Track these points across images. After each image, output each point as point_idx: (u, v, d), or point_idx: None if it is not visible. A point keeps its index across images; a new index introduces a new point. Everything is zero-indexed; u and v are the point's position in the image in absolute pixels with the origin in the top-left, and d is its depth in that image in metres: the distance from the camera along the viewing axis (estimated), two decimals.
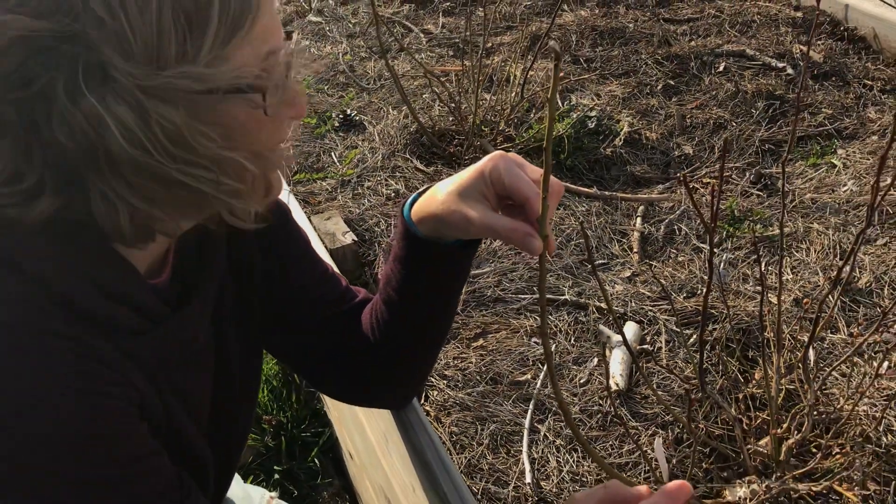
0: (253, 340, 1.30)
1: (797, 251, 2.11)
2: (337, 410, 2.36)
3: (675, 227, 2.24)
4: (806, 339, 1.59)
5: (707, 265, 1.54)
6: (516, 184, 1.04)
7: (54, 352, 0.89)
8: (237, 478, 1.69)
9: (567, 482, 1.61)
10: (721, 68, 2.96)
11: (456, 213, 1.09)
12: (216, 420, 1.23)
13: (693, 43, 3.15)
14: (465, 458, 1.69)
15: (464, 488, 1.44)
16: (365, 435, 1.96)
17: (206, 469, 1.17)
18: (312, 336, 1.34)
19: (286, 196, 2.32)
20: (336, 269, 1.41)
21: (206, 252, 1.13)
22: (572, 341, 1.91)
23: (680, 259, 2.13)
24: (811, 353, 1.62)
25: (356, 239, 2.22)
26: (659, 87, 2.87)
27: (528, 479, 1.63)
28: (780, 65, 2.92)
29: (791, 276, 2.03)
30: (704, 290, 1.42)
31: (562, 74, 2.86)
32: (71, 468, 0.90)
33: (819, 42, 3.09)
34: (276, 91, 0.89)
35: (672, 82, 2.90)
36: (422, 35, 3.39)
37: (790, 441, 1.53)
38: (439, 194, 1.13)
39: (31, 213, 0.88)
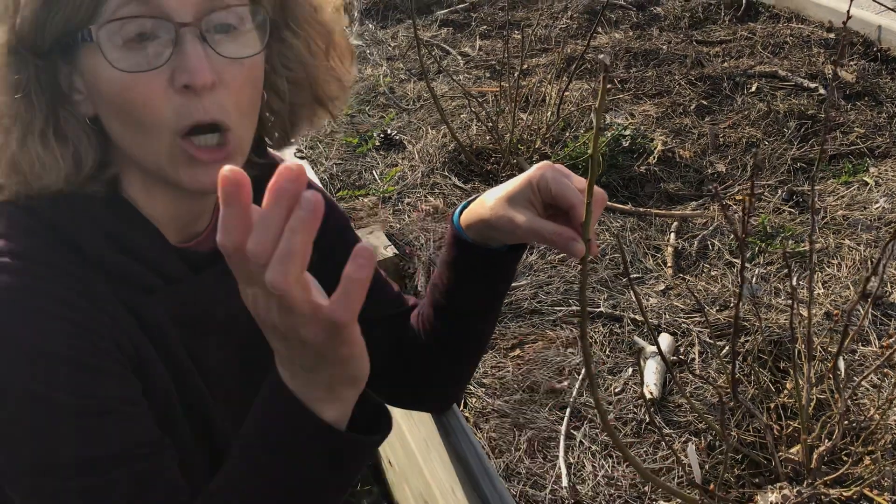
0: None
1: (829, 266, 2.16)
2: None
3: (708, 242, 2.29)
4: (836, 351, 1.64)
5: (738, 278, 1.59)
6: (563, 191, 1.11)
7: (46, 277, 0.95)
8: None
9: (602, 486, 1.67)
10: (753, 89, 3.01)
11: (504, 217, 1.17)
12: (246, 402, 1.28)
13: (726, 64, 3.20)
14: (503, 462, 1.75)
15: (504, 490, 1.51)
16: (405, 441, 2.02)
17: (225, 449, 1.21)
18: (364, 339, 1.41)
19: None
20: (386, 276, 1.49)
21: None
22: (607, 352, 1.97)
23: (713, 273, 2.18)
24: (841, 363, 1.67)
25: (397, 252, 2.30)
26: (692, 107, 2.93)
27: (564, 482, 1.69)
28: (812, 85, 2.96)
29: (822, 290, 2.07)
30: (735, 301, 1.47)
31: (600, 91, 2.93)
32: (32, 383, 0.94)
33: (852, 62, 3.14)
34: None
35: (705, 102, 2.96)
36: (459, 57, 3.49)
37: (821, 448, 1.57)
38: (488, 201, 1.20)
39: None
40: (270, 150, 1.23)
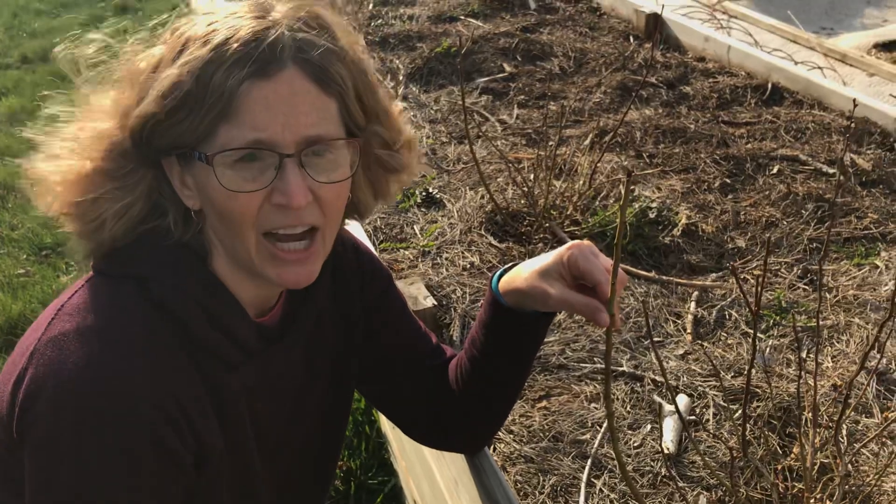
0: (345, 386, 1.55)
1: (838, 342, 2.31)
2: (405, 460, 2.59)
3: (726, 312, 2.45)
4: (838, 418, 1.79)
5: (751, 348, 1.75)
6: (590, 269, 1.28)
7: (142, 348, 1.10)
8: None
9: None
10: (775, 170, 3.20)
11: (537, 288, 1.34)
12: (282, 452, 1.45)
13: (749, 145, 3.40)
14: None
15: None
16: (434, 480, 2.17)
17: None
18: (405, 387, 1.58)
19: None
20: (426, 328, 1.66)
21: (308, 300, 1.37)
22: (628, 408, 2.12)
23: (729, 342, 2.34)
24: (844, 430, 1.81)
25: (435, 304, 2.47)
26: (716, 185, 3.11)
27: None
28: (831, 170, 3.14)
29: (831, 364, 2.23)
30: (748, 368, 1.63)
31: (625, 173, 3.12)
32: (89, 441, 1.06)
33: (868, 151, 3.32)
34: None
35: (728, 181, 3.15)
36: (497, 124, 3.71)
37: None
38: (524, 272, 1.38)
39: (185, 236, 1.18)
40: None
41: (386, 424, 2.80)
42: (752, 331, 2.35)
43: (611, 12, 5.19)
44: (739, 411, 2.06)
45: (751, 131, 3.54)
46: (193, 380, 1.18)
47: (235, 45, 1.08)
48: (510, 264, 1.43)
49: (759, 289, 1.35)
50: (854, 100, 1.68)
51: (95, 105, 1.19)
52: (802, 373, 1.72)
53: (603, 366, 2.22)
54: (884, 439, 1.89)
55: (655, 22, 4.71)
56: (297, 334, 1.37)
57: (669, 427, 2.03)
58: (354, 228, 2.04)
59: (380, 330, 1.54)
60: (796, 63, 4.26)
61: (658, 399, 2.13)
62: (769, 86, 3.96)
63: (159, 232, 1.20)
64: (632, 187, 3.09)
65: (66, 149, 1.18)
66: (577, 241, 1.34)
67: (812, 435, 1.79)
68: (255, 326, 1.28)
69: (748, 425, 2.00)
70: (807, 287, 2.56)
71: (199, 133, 1.11)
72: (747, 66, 4.22)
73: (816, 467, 1.82)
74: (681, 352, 2.31)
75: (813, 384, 1.78)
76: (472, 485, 1.84)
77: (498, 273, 1.44)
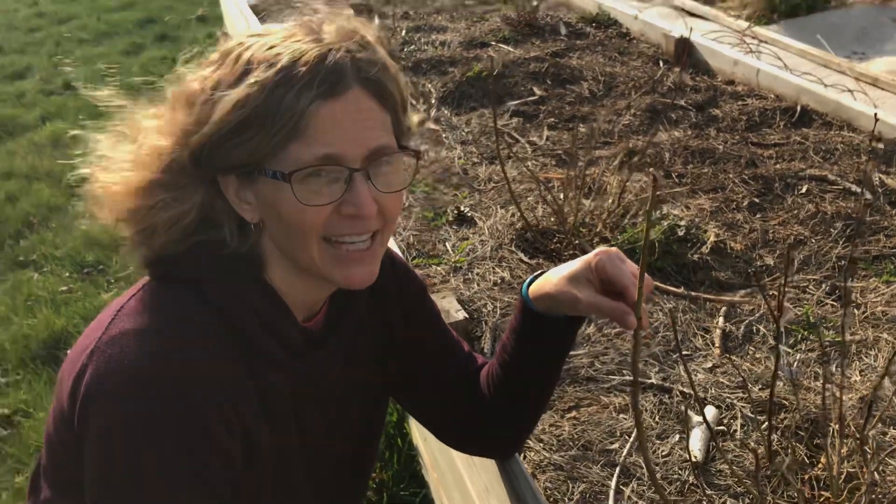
0: (381, 392, 1.61)
1: (866, 357, 2.33)
2: (436, 471, 2.63)
3: (754, 327, 2.48)
4: (867, 432, 1.81)
5: (774, 360, 1.78)
6: (618, 274, 1.33)
7: (195, 345, 1.17)
8: None
9: None
10: (804, 190, 3.22)
11: (566, 293, 1.40)
12: (322, 459, 1.50)
13: (778, 166, 3.43)
14: None
15: None
16: (465, 489, 2.22)
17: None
18: (439, 394, 1.64)
19: None
20: (458, 336, 1.72)
21: (350, 307, 1.43)
22: (657, 419, 2.16)
23: (757, 356, 2.37)
24: (870, 440, 1.83)
25: (467, 316, 2.53)
26: (745, 204, 3.15)
27: None
28: (859, 190, 3.17)
29: (859, 377, 2.24)
30: (772, 377, 1.67)
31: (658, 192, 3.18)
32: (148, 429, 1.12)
33: None
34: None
35: (757, 200, 3.18)
36: (527, 146, 3.77)
37: None
38: (553, 278, 1.43)
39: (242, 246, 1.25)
40: None
41: (417, 437, 2.85)
42: (781, 345, 2.37)
43: (640, 37, 5.26)
44: (766, 423, 2.09)
45: (779, 152, 3.57)
46: (244, 380, 1.25)
47: (303, 68, 1.15)
48: (539, 272, 1.48)
49: (781, 297, 1.39)
50: (875, 114, 1.72)
51: (150, 124, 1.26)
52: (830, 386, 1.75)
53: (631, 377, 2.26)
54: None
55: (684, 46, 4.77)
56: (340, 340, 1.43)
57: (697, 437, 2.06)
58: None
59: (416, 336, 1.60)
60: (826, 86, 4.28)
61: (686, 410, 2.16)
62: (798, 108, 3.99)
63: (215, 242, 1.27)
64: (661, 206, 3.13)
65: (127, 162, 1.26)
66: (604, 248, 1.39)
67: (839, 445, 1.82)
68: (301, 330, 1.34)
69: (776, 436, 2.02)
70: (835, 303, 2.58)
71: (268, 151, 1.18)
72: (776, 88, 4.26)
73: (843, 476, 1.84)
74: (709, 365, 2.34)
75: (839, 396, 1.81)
76: (502, 491, 1.88)
77: (528, 280, 1.50)
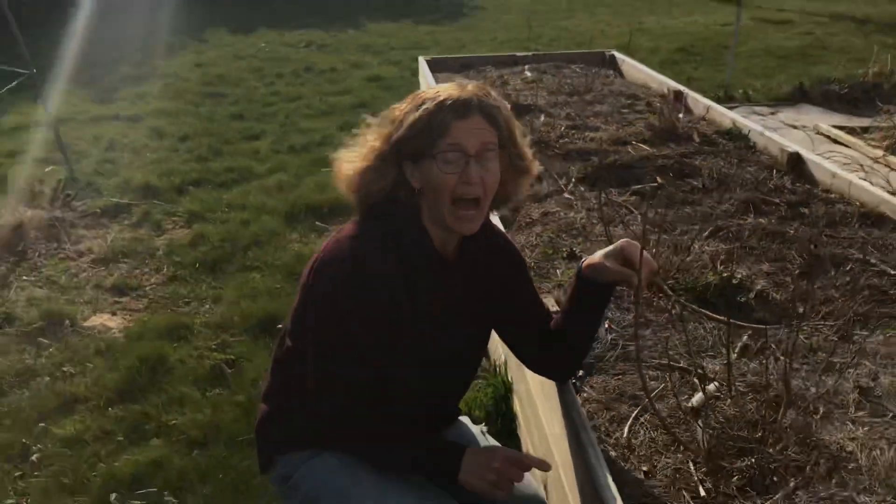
0: (488, 320, 2.67)
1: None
2: (517, 397, 3.66)
3: (772, 345, 3.37)
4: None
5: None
6: (633, 254, 2.37)
7: (376, 251, 2.23)
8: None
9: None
10: (847, 268, 4.05)
11: (601, 263, 2.46)
12: (439, 357, 2.46)
13: (836, 251, 4.26)
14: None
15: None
16: (537, 412, 3.24)
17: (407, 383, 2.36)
18: (526, 332, 2.69)
19: None
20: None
21: (472, 249, 2.46)
22: (677, 387, 3.10)
23: (763, 362, 3.25)
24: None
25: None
26: (795, 272, 4.02)
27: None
28: (894, 271, 3.95)
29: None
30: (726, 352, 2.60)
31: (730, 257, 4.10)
32: (337, 306, 2.19)
33: None
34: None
35: (806, 271, 4.04)
36: (639, 217, 4.80)
37: None
38: (596, 255, 2.50)
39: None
40: None
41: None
42: (784, 356, 3.26)
43: (762, 149, 6.17)
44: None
45: (842, 242, 4.39)
46: (399, 275, 2.32)
47: (450, 102, 2.30)
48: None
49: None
50: None
51: (371, 135, 2.42)
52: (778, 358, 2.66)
53: (664, 360, 3.22)
54: None
55: (796, 159, 5.66)
56: (464, 272, 2.52)
57: (698, 398, 2.99)
58: None
59: (515, 286, 2.66)
60: None
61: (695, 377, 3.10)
62: (876, 214, 4.78)
63: (396, 199, 2.41)
64: (730, 266, 4.07)
65: (357, 154, 2.44)
66: (626, 239, 2.45)
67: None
68: (439, 255, 2.45)
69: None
70: (836, 339, 3.42)
71: (428, 143, 2.32)
72: (863, 198, 5.06)
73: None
74: (725, 361, 3.26)
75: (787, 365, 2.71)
76: (558, 407, 2.90)
77: (582, 259, 2.56)
